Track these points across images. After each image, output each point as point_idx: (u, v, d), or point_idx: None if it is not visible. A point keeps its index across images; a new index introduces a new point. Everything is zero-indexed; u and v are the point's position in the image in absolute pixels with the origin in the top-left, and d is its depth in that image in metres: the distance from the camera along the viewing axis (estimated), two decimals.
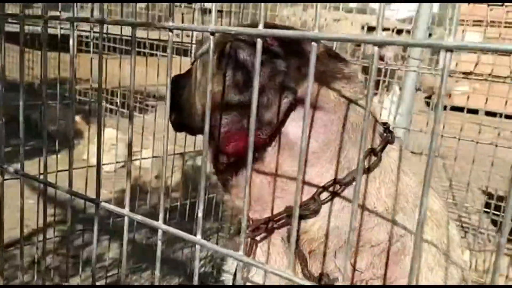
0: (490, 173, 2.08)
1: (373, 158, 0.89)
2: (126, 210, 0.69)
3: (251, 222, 0.98)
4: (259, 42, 0.53)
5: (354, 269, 0.90)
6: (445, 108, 2.90)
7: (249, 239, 0.97)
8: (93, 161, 2.91)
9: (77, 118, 4.52)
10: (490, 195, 2.81)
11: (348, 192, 0.88)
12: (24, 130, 0.82)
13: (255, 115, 0.55)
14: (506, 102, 2.33)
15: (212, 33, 0.56)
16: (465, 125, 2.33)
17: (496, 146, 2.08)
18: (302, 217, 0.89)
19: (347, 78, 0.94)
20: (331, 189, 0.87)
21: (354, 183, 0.88)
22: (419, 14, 2.94)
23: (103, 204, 0.71)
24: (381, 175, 0.89)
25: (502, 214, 2.18)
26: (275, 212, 0.92)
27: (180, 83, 1.19)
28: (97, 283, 2.30)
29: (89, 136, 2.24)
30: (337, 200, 0.88)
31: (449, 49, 0.42)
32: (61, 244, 2.46)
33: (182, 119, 1.14)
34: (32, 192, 3.13)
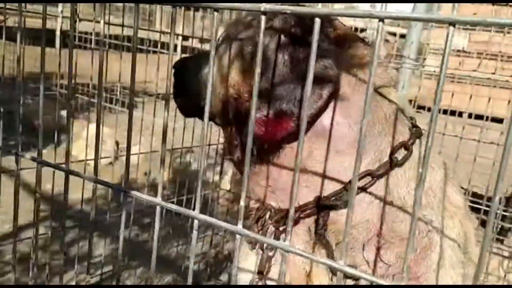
0: (490, 176, 2.09)
1: (404, 152, 0.88)
2: (158, 199, 0.66)
3: (272, 211, 0.95)
4: (317, 21, 0.51)
5: (376, 263, 0.88)
6: (429, 110, 2.92)
7: (270, 228, 0.95)
8: (82, 156, 2.85)
9: (63, 113, 4.42)
10: (477, 195, 2.84)
11: (379, 184, 0.86)
12: (42, 119, 0.79)
13: (309, 97, 0.53)
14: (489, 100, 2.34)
15: (264, 13, 0.54)
16: (448, 126, 2.35)
17: (498, 145, 2.10)
18: (332, 207, 0.87)
19: (380, 65, 0.92)
20: (364, 180, 0.85)
21: (386, 176, 0.86)
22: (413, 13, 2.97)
23: (133, 192, 0.68)
24: (411, 169, 0.88)
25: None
26: (301, 202, 0.89)
27: (189, 67, 1.16)
28: (92, 280, 2.25)
29: (86, 131, 2.19)
30: (367, 192, 0.86)
31: None
32: (51, 240, 2.39)
33: (195, 104, 1.11)
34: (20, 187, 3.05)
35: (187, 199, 2.41)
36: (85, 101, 4.81)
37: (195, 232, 0.64)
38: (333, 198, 0.86)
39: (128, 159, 0.69)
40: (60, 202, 2.55)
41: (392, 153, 0.86)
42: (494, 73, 2.33)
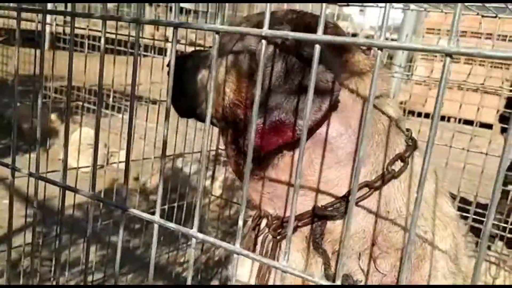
0: (479, 183, 2.12)
1: (400, 164, 0.90)
2: (156, 218, 0.66)
3: (269, 218, 0.97)
4: (317, 48, 0.52)
5: (371, 272, 0.90)
6: (419, 115, 2.96)
7: (269, 236, 0.97)
8: (71, 160, 2.81)
9: (52, 116, 4.40)
10: (466, 200, 2.87)
11: (376, 195, 0.88)
12: (32, 124, 0.79)
13: (309, 111, 0.54)
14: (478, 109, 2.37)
15: (265, 37, 0.55)
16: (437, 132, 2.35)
17: (487, 154, 2.13)
18: (329, 217, 0.89)
19: (382, 76, 0.94)
20: (361, 191, 0.87)
21: (384, 187, 0.88)
22: (404, 22, 3.01)
23: (131, 210, 0.68)
24: (406, 181, 0.90)
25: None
26: (299, 211, 0.91)
27: (186, 68, 1.15)
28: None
29: (79, 135, 2.17)
30: (365, 203, 0.88)
31: None
32: (42, 246, 2.38)
33: (194, 105, 1.11)
34: (7, 192, 3.02)
35: (178, 206, 2.41)
36: (74, 104, 4.78)
37: (193, 251, 0.65)
38: (330, 208, 0.88)
39: (126, 177, 0.69)
40: (50, 208, 2.52)
41: (388, 165, 0.88)
42: (483, 84, 2.36)
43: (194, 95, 1.11)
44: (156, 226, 0.67)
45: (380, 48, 0.49)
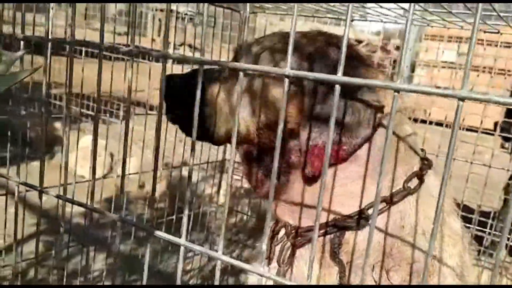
0: (483, 192, 2.17)
1: (416, 181, 0.94)
2: (182, 240, 0.70)
3: (289, 228, 1.01)
4: (337, 89, 0.56)
5: (384, 283, 0.94)
6: (424, 122, 3.00)
7: (287, 244, 1.01)
8: (78, 169, 2.84)
9: (57, 124, 4.43)
10: (470, 210, 2.90)
11: (392, 210, 0.92)
12: (67, 148, 0.82)
13: (332, 134, 0.58)
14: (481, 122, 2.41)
15: (287, 76, 0.59)
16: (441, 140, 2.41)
17: (490, 167, 2.17)
18: (347, 228, 0.93)
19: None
20: (379, 206, 0.91)
21: (400, 203, 0.92)
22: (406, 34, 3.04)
23: (157, 233, 0.72)
24: (420, 198, 0.94)
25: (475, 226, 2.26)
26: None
27: (189, 87, 1.16)
28: None
29: (72, 143, 2.20)
30: (381, 217, 0.93)
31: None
32: (48, 256, 2.41)
33: (208, 127, 1.13)
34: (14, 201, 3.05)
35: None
36: (78, 111, 4.81)
37: (217, 272, 0.69)
38: (350, 220, 0.93)
39: (152, 204, 0.73)
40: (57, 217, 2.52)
41: (405, 182, 0.93)
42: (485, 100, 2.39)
43: (205, 115, 1.11)
44: (182, 249, 0.71)
45: (397, 91, 0.53)
